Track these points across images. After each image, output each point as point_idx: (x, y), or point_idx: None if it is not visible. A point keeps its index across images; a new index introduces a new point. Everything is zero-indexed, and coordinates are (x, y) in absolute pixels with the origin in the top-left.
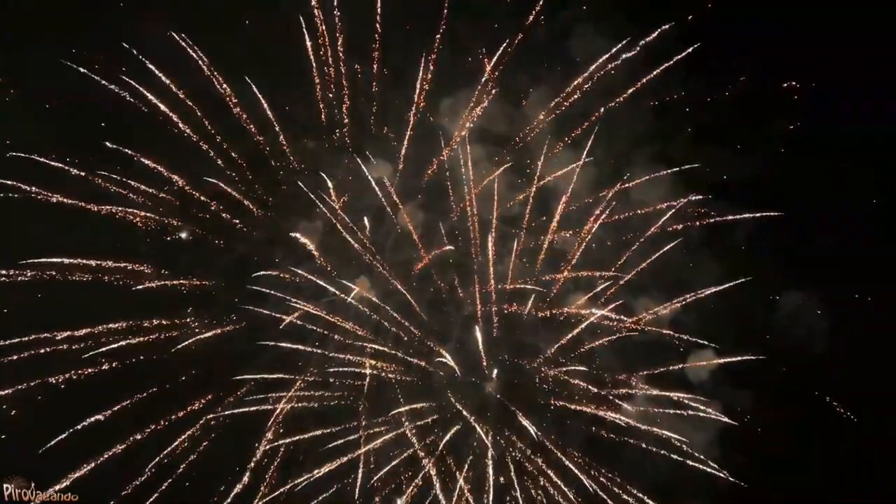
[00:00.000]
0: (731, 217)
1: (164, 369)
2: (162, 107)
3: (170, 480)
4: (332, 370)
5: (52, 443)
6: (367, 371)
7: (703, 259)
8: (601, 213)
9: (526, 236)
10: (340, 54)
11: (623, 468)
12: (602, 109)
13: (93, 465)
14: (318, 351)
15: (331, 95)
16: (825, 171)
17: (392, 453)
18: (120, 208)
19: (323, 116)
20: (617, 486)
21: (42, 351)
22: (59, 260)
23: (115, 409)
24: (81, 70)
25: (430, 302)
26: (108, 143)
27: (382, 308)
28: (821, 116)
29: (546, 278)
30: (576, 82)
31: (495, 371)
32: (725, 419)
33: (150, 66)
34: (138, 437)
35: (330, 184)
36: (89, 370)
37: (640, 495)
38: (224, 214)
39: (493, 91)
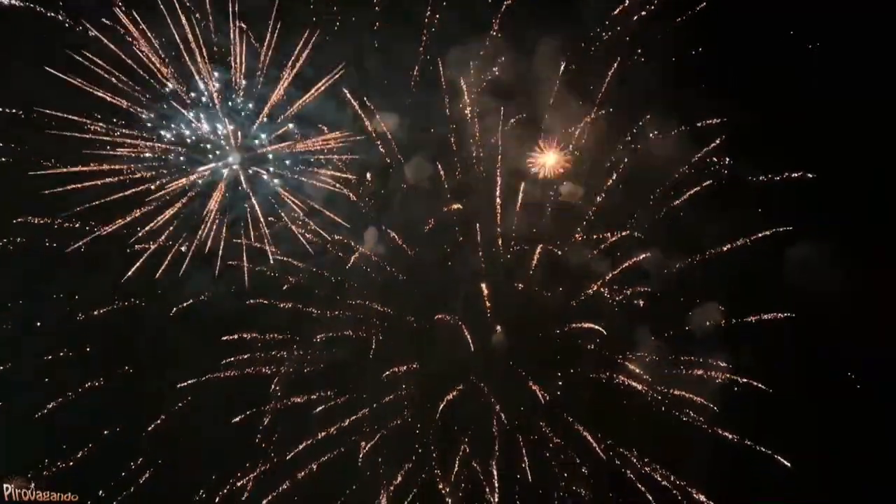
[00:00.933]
0: (743, 175)
1: (163, 331)
2: (154, 60)
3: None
4: (335, 332)
5: (50, 405)
6: (372, 332)
7: (714, 216)
8: (612, 168)
9: (535, 192)
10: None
11: (630, 429)
12: (615, 65)
13: (90, 446)
14: (319, 312)
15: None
16: (842, 130)
17: (395, 415)
18: (115, 166)
19: (323, 69)
20: (624, 448)
21: (38, 323)
22: (49, 220)
23: (118, 372)
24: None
25: (436, 258)
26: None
27: (387, 266)
28: (840, 77)
29: (557, 242)
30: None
31: (497, 328)
32: (739, 378)
33: (138, 19)
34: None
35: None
36: (88, 348)
37: (646, 458)
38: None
39: (501, 40)
